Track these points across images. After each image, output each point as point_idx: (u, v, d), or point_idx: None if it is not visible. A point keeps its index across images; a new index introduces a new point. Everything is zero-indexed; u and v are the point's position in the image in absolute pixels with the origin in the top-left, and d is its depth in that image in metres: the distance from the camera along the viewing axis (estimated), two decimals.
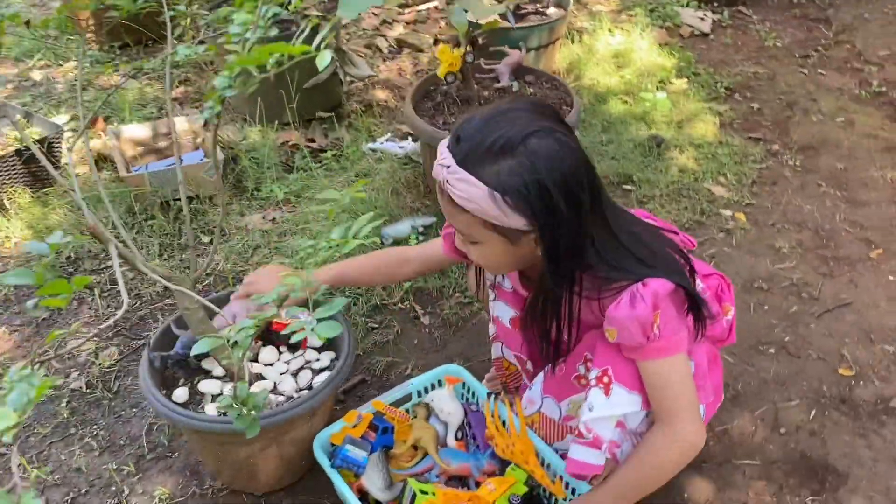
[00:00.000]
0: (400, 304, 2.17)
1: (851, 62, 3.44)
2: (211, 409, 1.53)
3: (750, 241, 2.39)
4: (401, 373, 1.97)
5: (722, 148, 2.81)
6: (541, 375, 1.54)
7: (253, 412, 1.15)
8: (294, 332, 1.01)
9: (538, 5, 3.18)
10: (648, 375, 1.33)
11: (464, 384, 1.75)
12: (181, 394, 1.56)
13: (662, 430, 1.34)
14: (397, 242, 2.36)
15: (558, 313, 1.33)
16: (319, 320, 0.98)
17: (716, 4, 3.88)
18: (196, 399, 1.57)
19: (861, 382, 1.90)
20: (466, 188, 1.16)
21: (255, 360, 1.69)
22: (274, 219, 2.50)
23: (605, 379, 1.34)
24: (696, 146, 2.81)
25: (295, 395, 1.58)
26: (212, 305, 1.29)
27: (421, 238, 2.35)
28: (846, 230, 2.42)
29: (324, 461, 1.53)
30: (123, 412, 1.87)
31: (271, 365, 1.67)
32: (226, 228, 2.45)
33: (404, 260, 1.71)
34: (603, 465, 1.38)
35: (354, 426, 1.60)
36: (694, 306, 1.31)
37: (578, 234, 1.23)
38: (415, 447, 1.63)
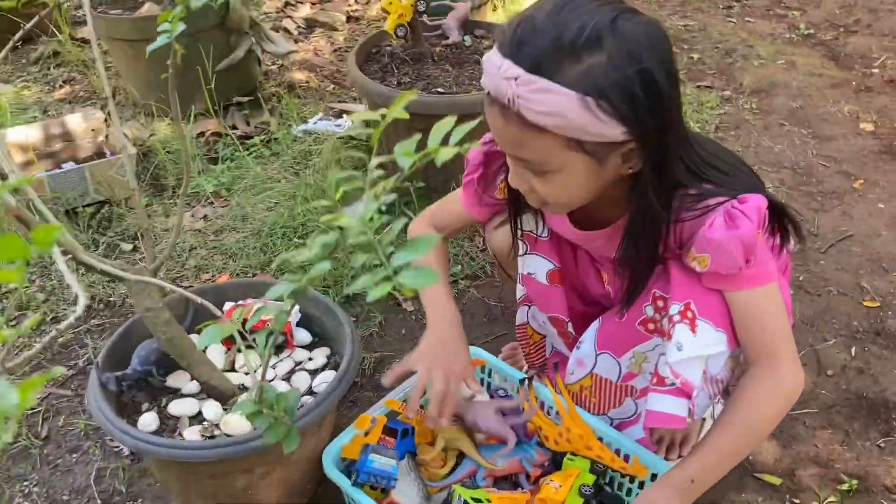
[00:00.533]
0: None
1: (774, 9, 3.41)
2: (191, 434, 1.20)
3: None
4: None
5: None
6: (593, 330, 1.29)
7: (286, 419, 0.85)
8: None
9: None
10: (741, 307, 1.11)
11: (483, 367, 1.48)
12: (149, 420, 1.22)
13: (762, 374, 1.12)
14: None
15: (656, 239, 1.08)
16: (399, 270, 0.69)
17: None
18: (170, 424, 1.24)
19: (889, 312, 1.77)
20: (549, 99, 0.89)
21: (233, 367, 1.36)
22: (206, 216, 2.15)
23: (689, 314, 1.11)
24: None
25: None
26: (193, 296, 0.98)
27: (384, 217, 2.06)
28: (822, 165, 2.32)
29: (342, 480, 1.23)
30: (60, 460, 1.49)
31: (253, 373, 1.35)
32: (150, 233, 2.07)
33: (443, 241, 1.48)
34: (686, 418, 1.15)
35: (367, 433, 1.30)
36: (782, 227, 1.10)
37: (682, 133, 1.01)
38: (444, 450, 1.35)
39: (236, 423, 1.20)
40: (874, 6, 3.25)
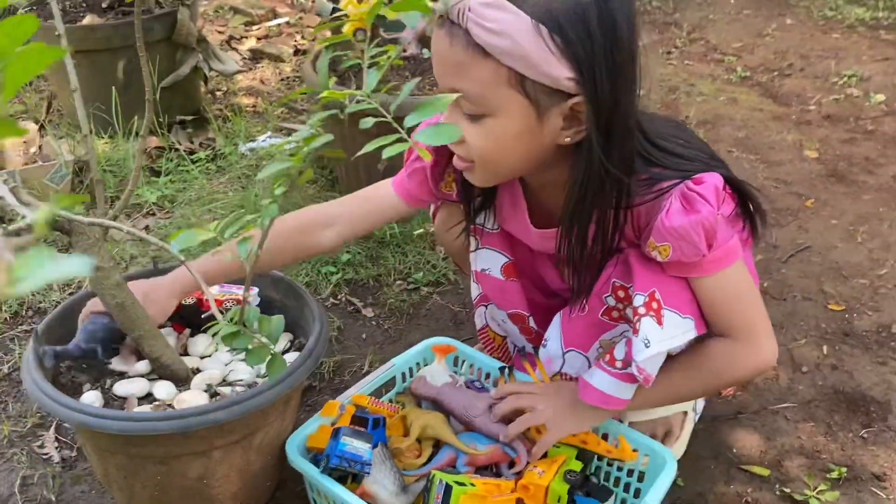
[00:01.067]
0: (332, 300, 1.78)
1: (710, 55, 3.53)
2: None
3: None
4: (356, 371, 1.58)
5: None
6: (556, 326, 1.21)
7: (269, 343, 0.74)
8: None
9: None
10: (709, 293, 1.05)
11: (456, 359, 1.39)
12: (91, 399, 1.09)
13: (740, 344, 1.09)
14: None
15: (604, 217, 1.01)
16: (412, 128, 0.62)
17: None
18: (116, 406, 1.10)
19: (855, 315, 1.76)
20: (500, 16, 0.84)
21: (185, 353, 1.24)
22: (147, 227, 2.02)
23: (654, 304, 1.03)
24: None
25: (259, 383, 1.15)
26: (156, 241, 0.88)
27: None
28: (773, 186, 2.36)
29: (308, 468, 1.11)
30: None
31: (208, 357, 1.23)
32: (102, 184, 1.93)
33: (323, 222, 1.24)
34: (627, 401, 1.11)
35: (333, 424, 1.19)
36: (745, 204, 1.04)
37: (634, 103, 0.95)
38: (418, 440, 1.25)
39: (192, 402, 1.08)
40: (805, 53, 3.41)
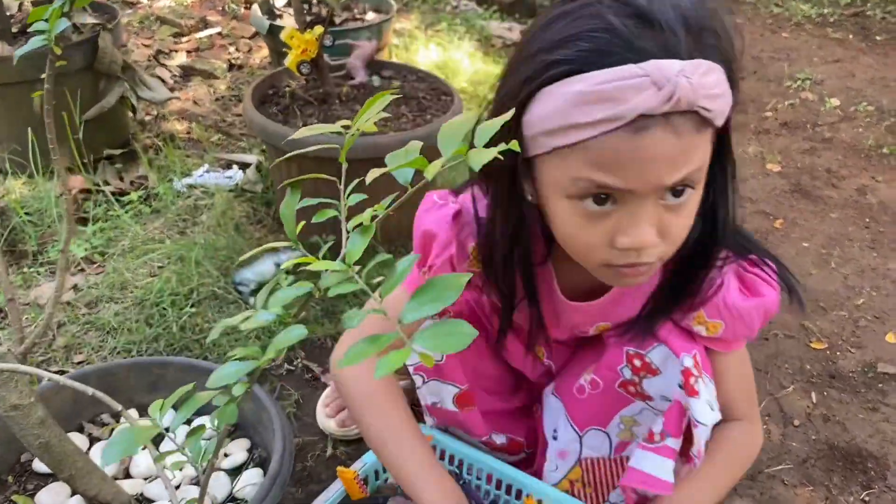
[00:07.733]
0: (287, 366, 1.62)
1: None
2: None
3: None
4: (318, 455, 1.42)
5: None
6: (558, 414, 1.10)
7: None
8: None
9: (354, 12, 2.79)
10: (731, 366, 1.00)
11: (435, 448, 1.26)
12: None
13: (746, 427, 1.04)
14: (261, 286, 1.81)
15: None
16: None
17: (517, 16, 3.78)
18: None
19: (838, 353, 1.70)
20: (715, 79, 0.71)
21: (127, 475, 1.07)
22: (76, 285, 1.82)
23: (698, 368, 0.95)
24: None
25: None
26: (80, 385, 0.73)
27: (291, 277, 1.82)
28: (741, 206, 2.28)
29: None
30: None
31: (150, 479, 1.06)
32: (2, 308, 1.73)
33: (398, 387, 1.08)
34: (672, 484, 0.97)
35: None
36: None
37: None
38: None
39: None
40: (756, 54, 3.36)
